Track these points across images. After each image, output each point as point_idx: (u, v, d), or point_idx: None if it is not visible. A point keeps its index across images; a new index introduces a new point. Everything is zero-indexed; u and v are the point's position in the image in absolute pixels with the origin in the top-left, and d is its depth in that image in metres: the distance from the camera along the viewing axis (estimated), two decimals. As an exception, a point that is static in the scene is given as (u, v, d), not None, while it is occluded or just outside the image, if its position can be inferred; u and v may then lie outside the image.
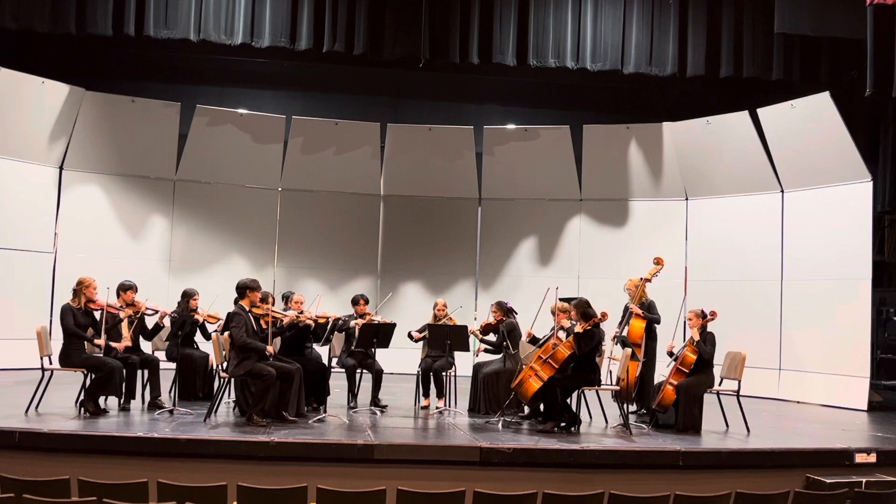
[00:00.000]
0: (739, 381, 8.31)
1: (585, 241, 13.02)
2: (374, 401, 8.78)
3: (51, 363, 7.81)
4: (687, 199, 12.51)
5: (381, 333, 8.58)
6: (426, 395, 9.05)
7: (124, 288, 8.33)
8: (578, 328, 7.81)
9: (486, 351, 9.12)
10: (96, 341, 7.79)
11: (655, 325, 8.78)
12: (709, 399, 8.20)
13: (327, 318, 8.45)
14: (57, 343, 7.90)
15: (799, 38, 11.35)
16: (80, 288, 7.85)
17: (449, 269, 13.20)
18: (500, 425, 7.96)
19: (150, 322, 8.62)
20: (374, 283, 13.15)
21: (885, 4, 9.50)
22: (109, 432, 6.81)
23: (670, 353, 8.37)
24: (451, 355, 8.94)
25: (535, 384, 7.79)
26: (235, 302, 7.88)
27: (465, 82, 13.86)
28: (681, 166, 12.42)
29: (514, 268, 13.22)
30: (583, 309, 7.86)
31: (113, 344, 7.94)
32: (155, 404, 8.14)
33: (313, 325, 8.33)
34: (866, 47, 9.82)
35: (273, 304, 8.76)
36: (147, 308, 8.35)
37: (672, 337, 8.64)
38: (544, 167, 12.94)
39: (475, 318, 12.65)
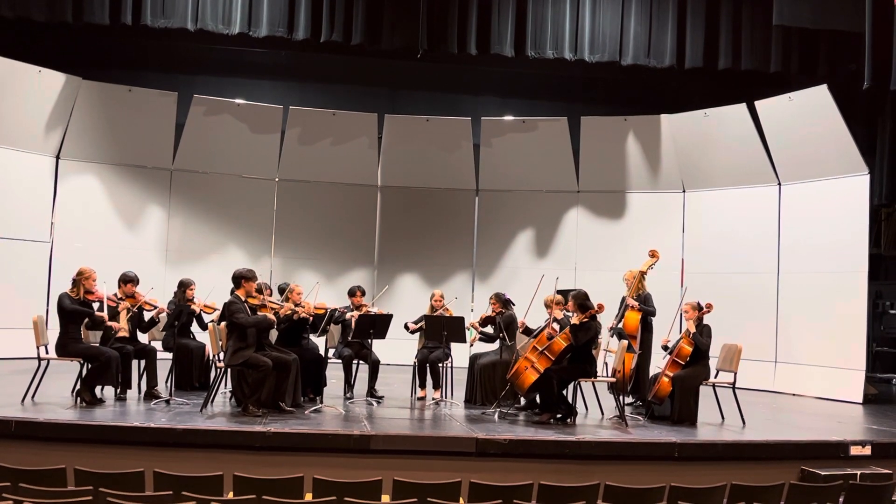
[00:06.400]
0: (735, 374, 8.33)
1: (583, 233, 13.02)
2: (371, 391, 8.80)
3: (47, 352, 7.80)
4: (684, 191, 12.51)
5: (378, 324, 8.59)
6: (422, 385, 9.07)
7: (125, 280, 8.33)
8: (575, 320, 7.82)
9: (481, 340, 9.13)
10: (97, 314, 7.76)
11: (651, 318, 8.80)
12: (704, 391, 8.21)
13: (325, 309, 8.46)
14: (53, 332, 7.89)
15: (797, 31, 11.34)
16: (80, 279, 7.80)
17: (446, 261, 13.21)
18: (496, 416, 7.97)
19: (146, 315, 8.60)
20: (371, 274, 13.15)
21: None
22: (106, 422, 6.82)
23: (665, 348, 8.39)
24: (448, 346, 8.94)
25: (531, 375, 7.80)
26: (232, 292, 7.88)
27: (462, 73, 13.83)
28: (678, 158, 12.41)
29: (511, 259, 13.23)
30: (580, 300, 7.87)
31: (112, 323, 7.93)
32: (151, 394, 8.14)
33: (311, 318, 8.33)
34: (864, 40, 9.81)
35: (270, 295, 8.77)
36: (146, 303, 8.35)
37: (669, 331, 8.65)
38: (542, 159, 12.92)
39: (472, 310, 12.66)
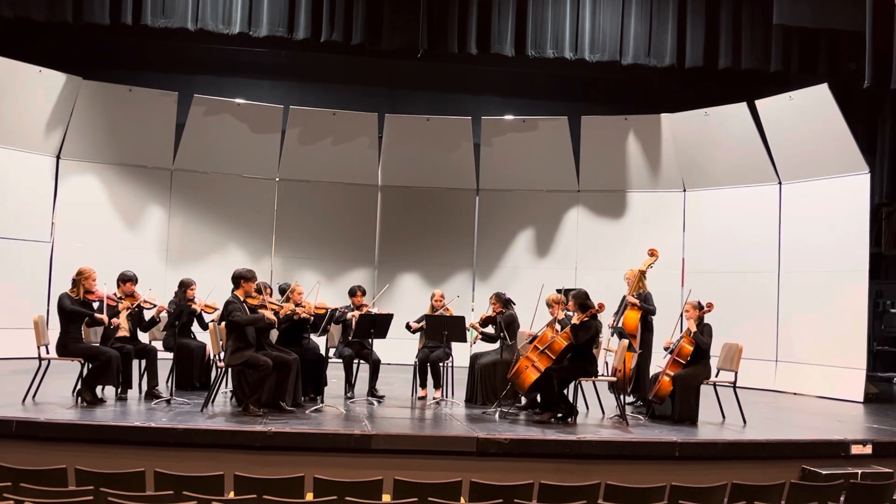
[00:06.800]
0: (736, 373, 8.33)
1: (583, 233, 13.02)
2: (372, 391, 8.80)
3: (48, 352, 7.80)
4: (685, 190, 12.51)
5: (379, 324, 8.58)
6: (423, 385, 9.06)
7: (124, 279, 8.32)
8: (576, 319, 7.81)
9: (482, 339, 9.12)
10: (97, 316, 7.76)
11: (651, 317, 8.79)
12: (705, 390, 8.21)
13: (325, 309, 8.45)
14: (54, 332, 7.89)
15: (797, 30, 11.34)
16: (80, 278, 7.81)
17: (446, 260, 13.20)
18: (496, 416, 7.97)
19: (146, 314, 8.60)
20: (372, 274, 13.15)
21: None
22: (106, 422, 6.83)
23: (667, 349, 8.38)
24: (449, 346, 8.94)
25: (532, 375, 7.80)
26: (232, 292, 7.87)
27: (463, 73, 13.83)
28: (679, 158, 12.41)
29: (511, 259, 13.22)
30: (581, 300, 7.87)
31: (112, 319, 7.92)
32: (152, 394, 8.14)
33: (312, 318, 8.33)
34: (865, 39, 9.81)
35: (271, 295, 8.77)
36: (145, 301, 8.35)
37: (672, 332, 8.65)
38: (542, 158, 12.92)
39: (472, 309, 12.65)
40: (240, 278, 7.75)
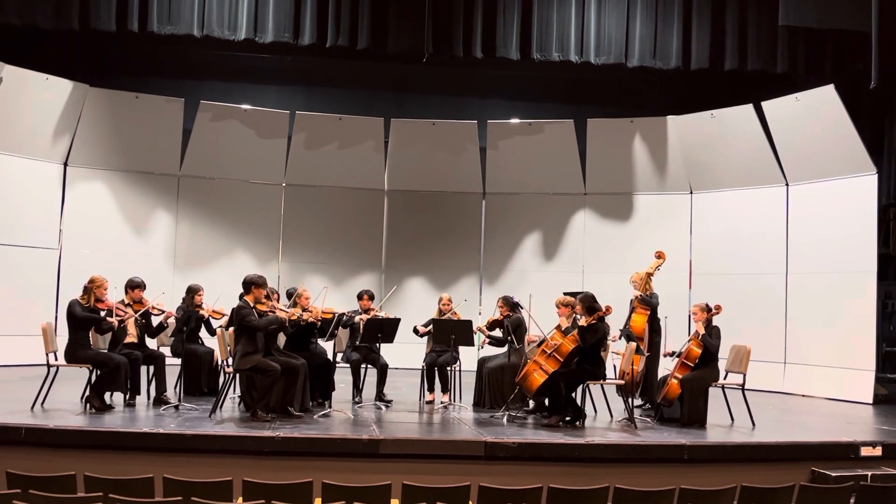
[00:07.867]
0: (744, 375, 8.31)
1: (590, 236, 13.01)
2: (379, 396, 8.80)
3: (56, 359, 7.82)
4: (691, 192, 12.49)
5: (386, 328, 8.59)
6: (431, 389, 9.06)
7: (132, 286, 8.34)
8: (583, 322, 7.81)
9: (490, 344, 9.12)
10: (109, 319, 7.77)
11: (659, 320, 8.77)
12: (714, 393, 8.20)
13: (332, 313, 8.45)
14: (62, 339, 7.91)
15: (803, 31, 11.32)
16: (92, 286, 7.83)
17: (453, 264, 13.20)
18: (504, 420, 7.96)
19: (154, 320, 8.62)
20: (379, 278, 13.15)
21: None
22: (115, 428, 6.83)
23: (668, 356, 8.36)
24: (456, 350, 8.93)
25: (539, 378, 7.79)
26: (241, 297, 7.88)
27: (468, 77, 13.83)
28: (685, 160, 12.40)
29: (518, 262, 13.22)
30: (588, 303, 7.86)
31: (129, 325, 7.93)
32: (160, 400, 8.15)
33: (319, 323, 8.34)
34: (871, 39, 9.78)
35: (278, 301, 8.78)
36: (153, 307, 8.37)
37: (669, 334, 8.62)
38: (548, 161, 12.92)
39: (479, 313, 12.65)
40: (251, 284, 7.75)
